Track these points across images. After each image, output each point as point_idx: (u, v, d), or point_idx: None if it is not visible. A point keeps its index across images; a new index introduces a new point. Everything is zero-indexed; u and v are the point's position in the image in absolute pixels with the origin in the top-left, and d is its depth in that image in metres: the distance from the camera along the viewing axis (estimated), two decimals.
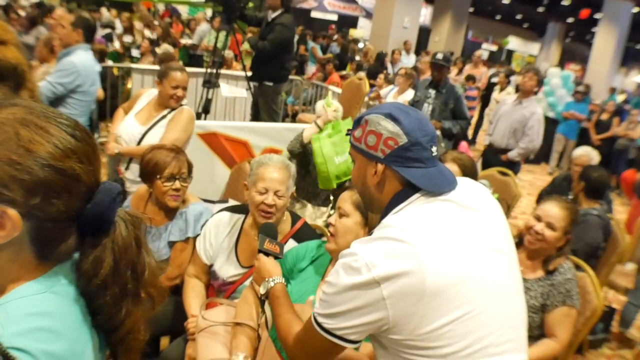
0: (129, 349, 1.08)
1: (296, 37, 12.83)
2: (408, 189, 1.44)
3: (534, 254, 2.65)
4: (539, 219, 2.62)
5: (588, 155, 4.91)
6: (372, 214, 1.62)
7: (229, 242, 2.53)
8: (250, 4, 5.70)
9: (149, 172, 2.67)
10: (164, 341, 2.88)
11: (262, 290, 1.77)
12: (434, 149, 1.44)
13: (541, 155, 10.68)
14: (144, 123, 3.47)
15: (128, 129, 3.49)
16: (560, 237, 2.59)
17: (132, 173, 3.50)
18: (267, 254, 1.88)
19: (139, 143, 3.42)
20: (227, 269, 2.50)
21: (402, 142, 1.40)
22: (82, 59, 3.76)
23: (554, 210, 2.60)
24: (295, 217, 2.59)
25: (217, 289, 2.57)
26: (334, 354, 1.49)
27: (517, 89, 9.05)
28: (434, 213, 1.42)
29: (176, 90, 3.42)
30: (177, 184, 2.67)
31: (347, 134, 1.57)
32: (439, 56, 5.51)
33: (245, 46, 8.51)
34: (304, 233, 2.52)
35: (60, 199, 0.92)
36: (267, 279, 1.77)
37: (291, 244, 2.46)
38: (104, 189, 0.98)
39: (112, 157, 3.57)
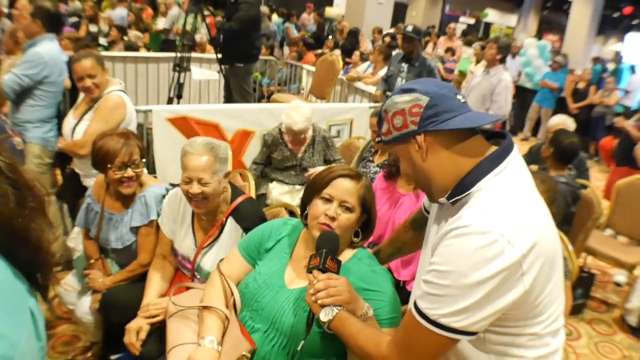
0: (50, 272, 1.06)
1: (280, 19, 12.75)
2: (496, 156, 1.35)
3: None
4: None
5: (564, 123, 4.93)
6: (436, 196, 1.47)
7: (185, 218, 2.54)
8: None
9: (100, 161, 2.61)
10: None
11: (324, 318, 1.58)
12: (459, 97, 1.39)
13: (518, 126, 10.80)
14: (76, 117, 3.41)
15: (66, 124, 3.47)
16: None
17: (77, 167, 3.49)
18: (323, 271, 1.66)
19: (71, 137, 3.38)
20: (186, 246, 2.52)
21: (425, 102, 1.36)
22: (48, 49, 3.68)
23: None
24: (236, 193, 2.54)
25: (180, 265, 2.58)
26: (448, 350, 1.37)
27: None
28: (523, 177, 1.38)
29: (83, 82, 3.27)
30: (130, 172, 2.62)
31: (378, 142, 1.52)
32: (409, 28, 5.53)
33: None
34: (243, 209, 2.48)
35: None
36: (331, 307, 1.59)
37: (231, 222, 2.44)
38: None
39: None
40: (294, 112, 3.82)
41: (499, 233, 1.21)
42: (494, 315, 1.27)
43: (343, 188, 1.88)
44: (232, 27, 5.46)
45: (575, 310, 4.36)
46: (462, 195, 1.35)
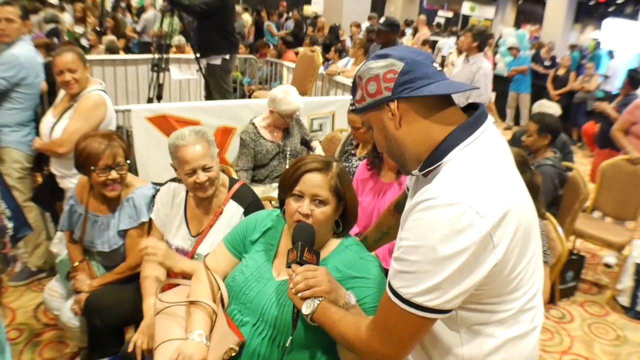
0: None
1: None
2: (468, 125, 1.31)
3: None
4: None
5: (548, 105, 5.00)
6: (409, 167, 1.42)
7: (177, 211, 2.52)
8: None
9: (83, 163, 2.57)
10: (131, 332, 2.81)
11: (306, 310, 1.55)
12: (435, 64, 1.34)
13: (500, 116, 10.89)
14: (56, 115, 3.36)
15: (44, 123, 3.41)
16: None
17: (54, 168, 3.44)
18: (301, 264, 1.63)
19: (50, 136, 3.33)
20: (180, 238, 2.49)
21: (400, 68, 1.30)
22: (24, 50, 3.61)
23: None
24: (232, 180, 2.58)
25: None
26: (427, 330, 1.32)
27: None
28: (497, 147, 1.34)
29: (62, 76, 3.22)
30: (114, 174, 2.58)
31: (351, 110, 1.49)
32: (381, 21, 5.56)
33: None
34: (243, 192, 2.52)
35: None
36: (312, 299, 1.55)
37: (231, 205, 2.45)
38: None
39: None
40: (289, 96, 3.85)
41: (467, 204, 1.16)
42: (468, 291, 1.23)
43: (312, 183, 1.82)
44: (194, 7, 5.29)
45: (566, 293, 4.37)
46: (434, 167, 1.31)
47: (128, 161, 2.67)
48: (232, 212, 2.44)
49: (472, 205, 1.17)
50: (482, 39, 5.46)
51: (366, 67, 1.36)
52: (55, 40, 8.02)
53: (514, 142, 4.93)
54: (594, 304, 4.35)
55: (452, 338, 1.39)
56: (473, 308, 1.33)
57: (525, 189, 1.37)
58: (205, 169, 2.33)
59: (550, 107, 5.03)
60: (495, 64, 11.21)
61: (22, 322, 3.40)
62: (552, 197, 3.85)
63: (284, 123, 3.96)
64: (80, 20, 10.30)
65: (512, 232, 1.23)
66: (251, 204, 2.47)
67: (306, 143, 4.24)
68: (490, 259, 1.21)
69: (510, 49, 10.76)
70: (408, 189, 1.80)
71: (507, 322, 1.36)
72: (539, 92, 10.07)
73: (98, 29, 9.52)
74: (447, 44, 11.87)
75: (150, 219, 2.64)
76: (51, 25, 8.63)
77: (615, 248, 4.43)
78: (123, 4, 14.16)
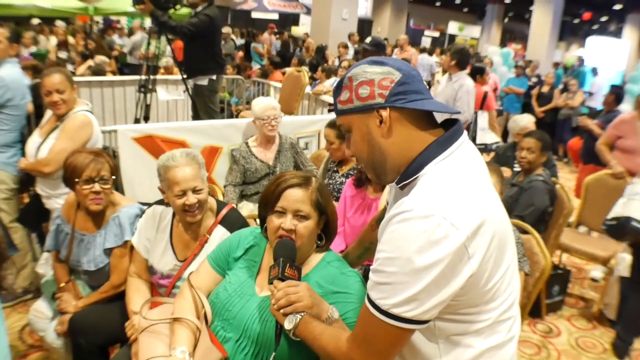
0: None
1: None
2: (443, 140, 1.34)
3: None
4: None
5: (521, 118, 5.12)
6: (387, 178, 1.44)
7: (163, 235, 2.50)
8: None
9: (69, 176, 2.60)
10: (116, 352, 2.79)
11: (288, 325, 1.57)
12: (424, 83, 1.38)
13: None
14: (42, 136, 3.39)
15: (30, 143, 3.44)
16: None
17: (40, 188, 3.45)
18: (282, 279, 1.66)
19: (36, 156, 3.36)
20: (165, 263, 2.47)
21: (397, 78, 1.32)
22: (10, 72, 3.62)
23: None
24: (220, 204, 2.56)
25: (156, 284, 2.53)
26: (405, 341, 1.35)
27: None
28: (472, 162, 1.37)
29: (50, 96, 3.26)
30: (97, 187, 2.59)
31: (329, 110, 1.51)
32: (367, 40, 5.61)
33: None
34: (231, 217, 2.50)
35: None
36: (294, 314, 1.58)
37: (220, 230, 2.43)
38: None
39: None
40: (259, 100, 4.01)
41: (441, 216, 1.19)
42: (445, 302, 1.26)
43: (294, 198, 1.84)
44: (182, 29, 5.31)
45: (553, 308, 4.39)
46: (410, 180, 1.34)
47: (114, 177, 2.69)
48: (221, 235, 2.42)
49: (447, 217, 1.19)
50: (461, 57, 5.43)
51: (360, 70, 1.36)
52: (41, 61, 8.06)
53: (499, 158, 4.98)
54: (580, 317, 4.36)
55: (430, 349, 1.40)
56: (451, 318, 1.35)
57: (499, 202, 1.40)
58: (195, 190, 2.33)
59: (523, 119, 5.15)
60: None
61: None
62: (543, 212, 3.88)
63: (270, 132, 3.97)
64: (63, 44, 10.28)
65: (487, 244, 1.25)
66: (239, 229, 2.46)
67: (299, 169, 4.22)
68: (466, 270, 1.23)
69: (516, 67, 10.87)
70: (388, 203, 1.82)
71: (484, 332, 1.38)
72: (524, 110, 10.18)
73: (86, 51, 9.54)
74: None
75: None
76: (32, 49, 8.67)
77: (601, 262, 4.45)
78: (119, 25, 14.25)
